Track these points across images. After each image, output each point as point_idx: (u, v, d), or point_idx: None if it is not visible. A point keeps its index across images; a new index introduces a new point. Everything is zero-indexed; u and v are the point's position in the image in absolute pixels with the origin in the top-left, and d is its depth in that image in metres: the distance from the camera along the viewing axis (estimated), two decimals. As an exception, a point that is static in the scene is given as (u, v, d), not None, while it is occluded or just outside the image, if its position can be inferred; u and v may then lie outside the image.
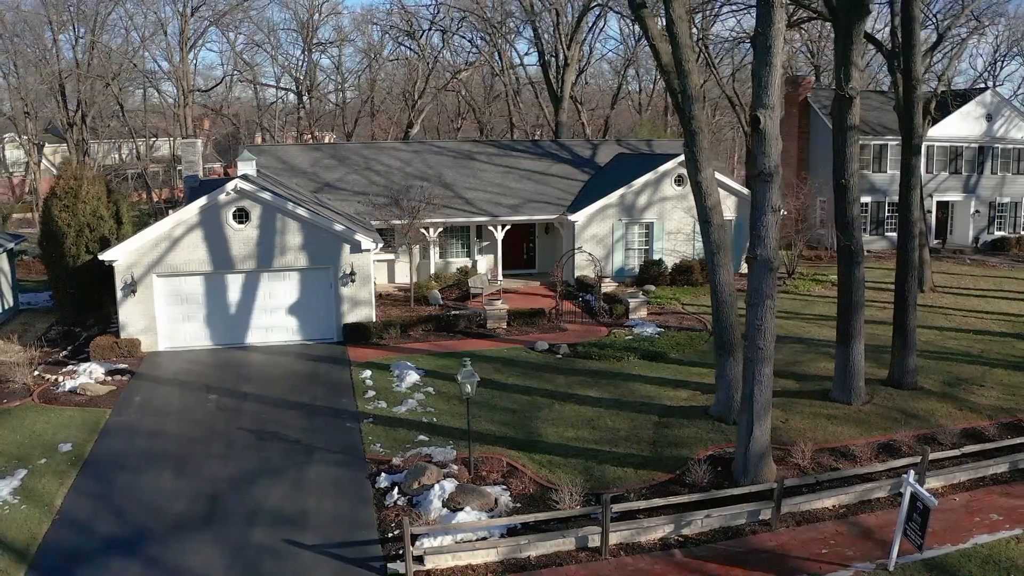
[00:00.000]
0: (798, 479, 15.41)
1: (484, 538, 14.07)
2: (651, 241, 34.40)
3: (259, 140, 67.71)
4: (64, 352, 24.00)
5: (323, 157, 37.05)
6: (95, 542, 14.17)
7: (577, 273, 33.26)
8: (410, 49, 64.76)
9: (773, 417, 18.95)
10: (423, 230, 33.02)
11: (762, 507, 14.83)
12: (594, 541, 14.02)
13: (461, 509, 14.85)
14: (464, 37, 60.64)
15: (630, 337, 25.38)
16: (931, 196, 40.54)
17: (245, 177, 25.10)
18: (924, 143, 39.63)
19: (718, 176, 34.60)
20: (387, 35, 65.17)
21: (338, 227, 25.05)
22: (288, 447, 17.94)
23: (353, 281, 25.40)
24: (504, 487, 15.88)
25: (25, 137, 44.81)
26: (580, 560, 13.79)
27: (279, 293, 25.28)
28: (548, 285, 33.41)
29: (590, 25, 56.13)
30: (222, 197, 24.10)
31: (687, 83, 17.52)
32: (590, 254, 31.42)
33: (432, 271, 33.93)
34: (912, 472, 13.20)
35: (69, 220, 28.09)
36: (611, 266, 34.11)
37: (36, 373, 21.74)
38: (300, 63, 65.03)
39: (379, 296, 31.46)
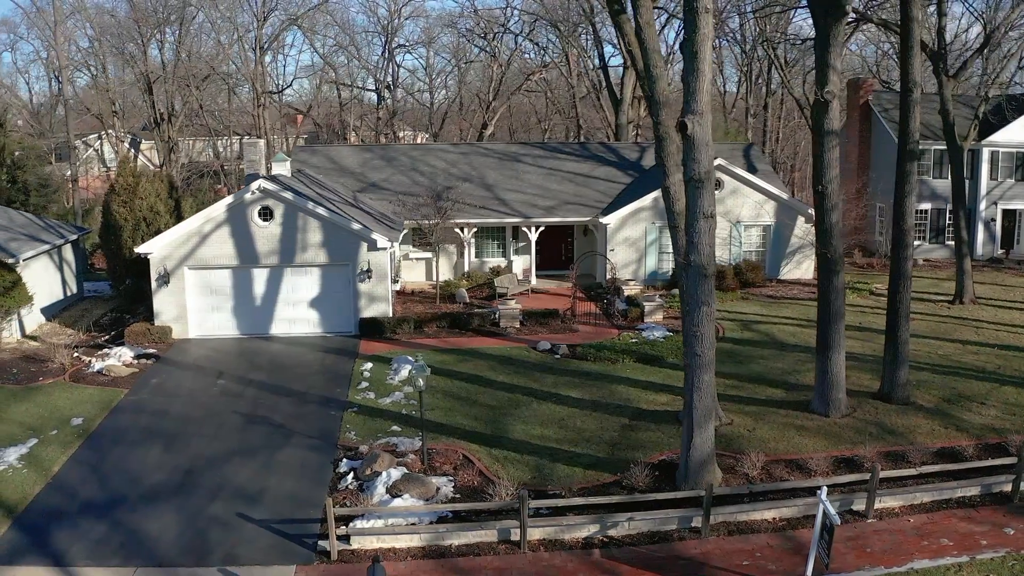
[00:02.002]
0: (729, 488, 15.43)
1: (413, 524, 14.86)
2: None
3: (352, 139, 70.64)
4: (106, 336, 26.27)
5: (373, 158, 38.60)
6: (75, 504, 15.81)
7: (608, 275, 33.46)
8: (485, 51, 66.15)
9: (742, 425, 18.98)
10: (457, 230, 34.06)
11: (691, 514, 14.96)
12: (516, 535, 14.56)
13: (400, 496, 15.70)
14: (533, 41, 61.40)
15: (635, 340, 25.54)
16: (996, 204, 38.36)
17: (272, 178, 26.76)
18: (988, 149, 37.69)
19: (757, 180, 34.09)
20: (463, 38, 66.65)
21: (355, 226, 26.34)
22: (271, 430, 19.26)
23: (370, 277, 26.65)
24: (450, 478, 16.63)
25: (113, 134, 48.56)
26: (499, 552, 14.36)
27: (301, 287, 26.81)
28: (583, 287, 33.76)
29: (660, 29, 55.78)
30: (247, 196, 25.80)
31: (655, 88, 17.72)
32: (607, 258, 31.68)
33: (466, 270, 34.88)
34: (824, 488, 13.08)
35: (126, 215, 30.59)
36: (644, 269, 34.13)
37: (75, 355, 23.97)
38: (382, 64, 67.31)
39: (411, 293, 32.72)
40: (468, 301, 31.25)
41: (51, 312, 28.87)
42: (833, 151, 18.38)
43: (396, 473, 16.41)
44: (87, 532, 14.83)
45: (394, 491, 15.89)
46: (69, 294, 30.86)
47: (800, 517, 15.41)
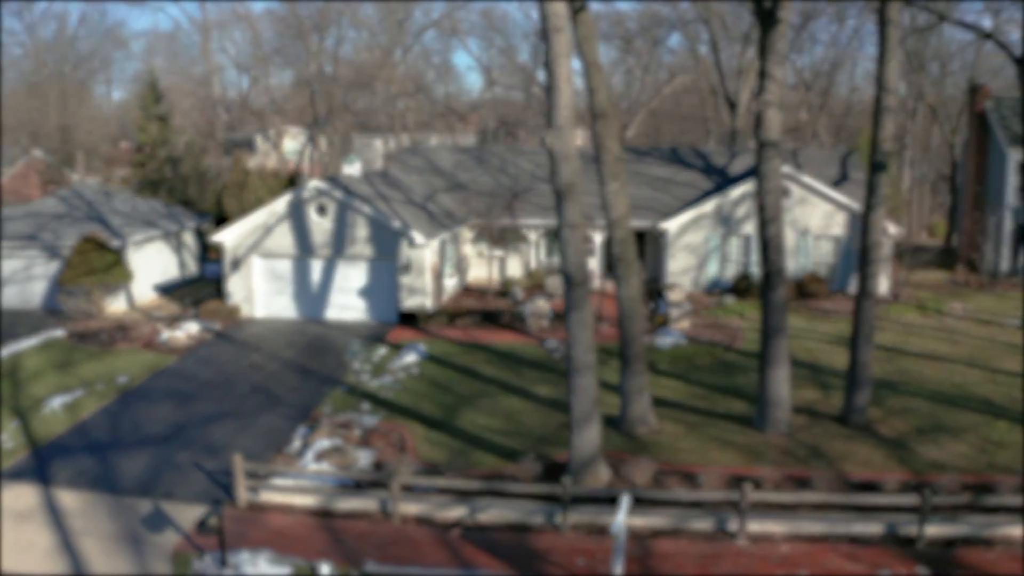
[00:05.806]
0: (587, 490, 16.15)
1: (318, 486, 17.08)
2: (749, 254, 33.51)
3: (525, 140, 74.16)
4: (192, 312, 30.79)
5: (466, 159, 41.06)
6: (81, 443, 19.61)
7: (669, 280, 33.70)
8: (630, 55, 66.68)
9: (672, 434, 19.35)
10: (524, 231, 35.73)
11: (556, 510, 15.86)
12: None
13: (321, 462, 17.98)
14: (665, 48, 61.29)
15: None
16: None
17: (331, 178, 30.00)
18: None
19: (827, 190, 32.65)
20: (606, 41, 67.49)
21: (396, 223, 28.91)
22: (266, 399, 22.25)
23: (409, 272, 29.14)
24: (375, 453, 18.64)
25: (274, 131, 54.98)
26: (375, 520, 16.20)
27: (351, 277, 29.85)
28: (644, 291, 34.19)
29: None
30: (305, 194, 29.20)
31: (594, 100, 18.54)
32: (642, 262, 31.92)
33: (531, 269, 36.42)
34: (627, 496, 13.62)
35: (235, 207, 35.37)
36: (705, 276, 33.94)
37: (157, 326, 28.52)
38: (533, 64, 69.59)
39: (473, 288, 34.89)
40: (520, 299, 32.87)
41: (164, 289, 34.10)
42: (772, 161, 18.18)
43: (327, 443, 18.72)
44: (78, 464, 18.48)
45: (318, 459, 18.20)
46: (186, 274, 36.14)
47: (671, 529, 15.76)
